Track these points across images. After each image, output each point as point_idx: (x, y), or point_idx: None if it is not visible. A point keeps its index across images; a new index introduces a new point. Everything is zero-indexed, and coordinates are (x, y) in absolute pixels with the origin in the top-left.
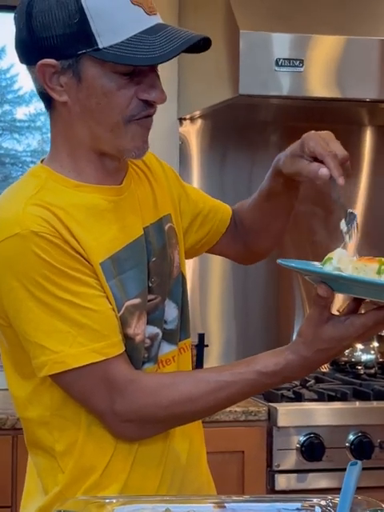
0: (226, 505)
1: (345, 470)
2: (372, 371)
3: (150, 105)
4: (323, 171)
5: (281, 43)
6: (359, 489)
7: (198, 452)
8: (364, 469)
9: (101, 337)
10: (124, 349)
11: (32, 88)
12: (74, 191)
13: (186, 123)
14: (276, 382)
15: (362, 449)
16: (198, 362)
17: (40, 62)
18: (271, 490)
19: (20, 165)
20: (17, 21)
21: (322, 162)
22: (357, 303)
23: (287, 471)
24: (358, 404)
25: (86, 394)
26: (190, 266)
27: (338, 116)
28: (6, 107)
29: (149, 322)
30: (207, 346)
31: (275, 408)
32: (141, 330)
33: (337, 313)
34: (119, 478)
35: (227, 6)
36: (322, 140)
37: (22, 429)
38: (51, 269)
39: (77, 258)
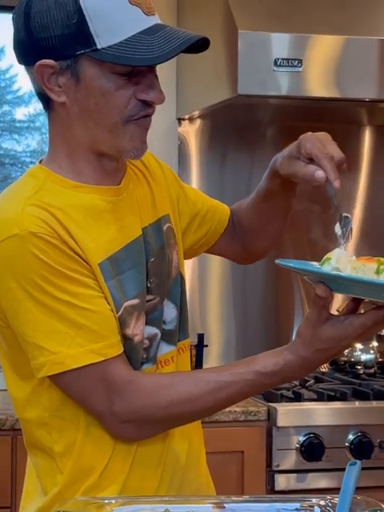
0: (225, 505)
1: (344, 469)
2: (371, 371)
3: (148, 105)
4: (319, 174)
5: (279, 43)
6: (359, 489)
7: (197, 452)
8: (363, 469)
9: (99, 337)
10: (123, 349)
11: (31, 88)
12: (72, 192)
13: (185, 123)
14: (275, 382)
15: (361, 449)
16: (198, 363)
17: (38, 63)
18: (271, 490)
19: (19, 165)
20: (15, 21)
21: (318, 163)
22: (356, 303)
23: (287, 471)
24: (357, 404)
25: (84, 394)
26: (189, 267)
27: (337, 116)
28: (6, 108)
29: (147, 323)
30: (207, 346)
31: (275, 408)
32: (139, 330)
33: (336, 312)
34: (118, 479)
35: (226, 6)
36: (318, 141)
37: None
38: (49, 269)
39: (75, 258)
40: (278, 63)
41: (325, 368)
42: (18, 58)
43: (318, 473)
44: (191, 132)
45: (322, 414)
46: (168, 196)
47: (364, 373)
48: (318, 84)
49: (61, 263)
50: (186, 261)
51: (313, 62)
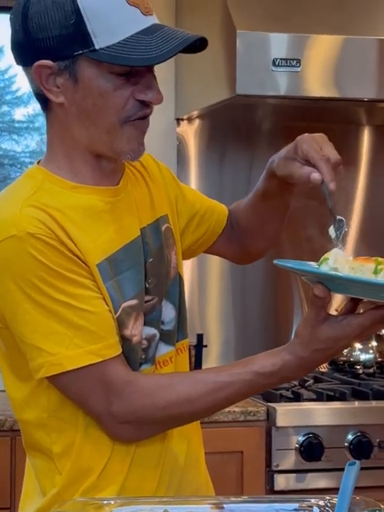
0: (224, 506)
1: (344, 469)
2: (371, 371)
3: (146, 105)
4: (315, 176)
5: (278, 43)
6: (358, 488)
7: (196, 453)
8: (363, 468)
9: (98, 338)
10: (121, 350)
11: (30, 89)
12: (70, 192)
13: (184, 123)
14: (274, 383)
15: (360, 448)
16: (197, 363)
17: (36, 64)
18: (270, 490)
19: (19, 166)
20: (13, 22)
21: (314, 165)
22: (354, 303)
23: (286, 471)
24: (356, 404)
25: (83, 395)
26: (188, 267)
27: (336, 116)
28: (5, 108)
29: (146, 323)
30: (206, 346)
31: (274, 408)
32: (138, 331)
33: (335, 312)
34: (117, 480)
35: (224, 7)
36: (315, 143)
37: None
38: (48, 270)
39: (73, 259)
40: (277, 63)
41: (324, 368)
42: (15, 58)
43: (318, 473)
44: (190, 132)
45: (321, 413)
46: (166, 196)
47: (363, 373)
48: (316, 84)
49: (59, 264)
50: (185, 261)
51: (311, 62)
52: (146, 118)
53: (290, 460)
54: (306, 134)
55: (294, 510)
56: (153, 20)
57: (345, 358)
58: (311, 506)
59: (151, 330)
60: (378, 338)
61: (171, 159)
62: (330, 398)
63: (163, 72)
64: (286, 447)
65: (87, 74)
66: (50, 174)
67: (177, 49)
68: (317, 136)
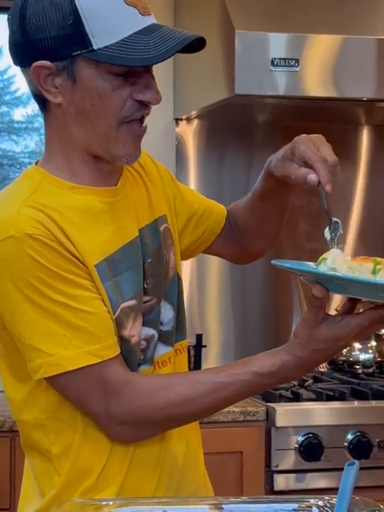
0: (223, 506)
1: (343, 469)
2: (370, 370)
3: (144, 105)
4: (312, 177)
5: (276, 43)
6: (358, 488)
7: (194, 453)
8: (363, 468)
9: (96, 339)
10: (119, 351)
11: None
12: (68, 193)
13: (182, 123)
14: (272, 383)
15: (360, 448)
16: (196, 363)
17: (34, 64)
18: (270, 490)
19: (18, 166)
20: (10, 23)
21: (311, 166)
22: (352, 303)
23: (286, 471)
24: (356, 403)
25: (81, 396)
26: (187, 267)
27: (335, 115)
28: (4, 108)
29: (144, 324)
30: (205, 346)
31: (273, 408)
32: (136, 331)
33: (335, 312)
34: (116, 481)
35: (222, 6)
36: (312, 144)
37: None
38: (46, 271)
39: (71, 260)
40: (275, 63)
41: (323, 368)
42: (13, 59)
43: (317, 473)
44: (189, 132)
45: (320, 413)
46: (164, 196)
47: (363, 372)
48: (315, 84)
49: (57, 265)
50: (184, 261)
51: (310, 62)
52: (143, 118)
53: (289, 460)
54: (304, 135)
55: (293, 510)
56: (151, 20)
57: (344, 358)
58: (310, 506)
59: (150, 331)
60: (378, 337)
61: (170, 159)
62: (329, 398)
63: (162, 72)
64: (285, 447)
65: (85, 75)
66: (48, 175)
67: (175, 49)
68: (314, 137)
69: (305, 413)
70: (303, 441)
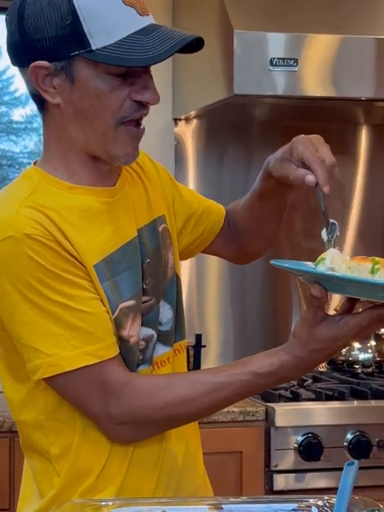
0: (222, 506)
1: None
2: (369, 370)
3: (143, 106)
4: (309, 178)
5: (275, 43)
6: (357, 488)
7: (194, 453)
8: (362, 468)
9: (95, 339)
10: (118, 351)
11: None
12: (67, 193)
13: (181, 123)
14: (271, 383)
15: (359, 448)
16: (196, 363)
17: (33, 64)
18: (269, 490)
19: (17, 166)
20: (8, 23)
21: (309, 167)
22: (351, 303)
23: (285, 471)
24: (355, 403)
25: (80, 396)
26: (186, 267)
27: (334, 115)
28: (3, 109)
29: (143, 324)
30: (205, 346)
31: (273, 408)
32: (135, 331)
33: (334, 312)
34: (115, 481)
35: (221, 6)
36: (310, 145)
37: None
38: (45, 271)
39: (70, 260)
40: (274, 63)
41: (323, 367)
42: (11, 59)
43: (317, 472)
44: (188, 132)
45: (320, 413)
46: (163, 196)
47: (362, 372)
48: (314, 83)
49: (56, 265)
50: (183, 261)
51: (309, 62)
52: (141, 121)
53: (289, 460)
54: (302, 136)
55: (293, 510)
56: (149, 20)
57: (344, 358)
58: (310, 506)
59: (149, 331)
60: (377, 337)
61: (169, 159)
62: (328, 398)
63: (160, 72)
64: (284, 447)
65: (84, 75)
66: (47, 175)
67: (173, 49)
68: (313, 137)
69: (304, 413)
70: (303, 441)
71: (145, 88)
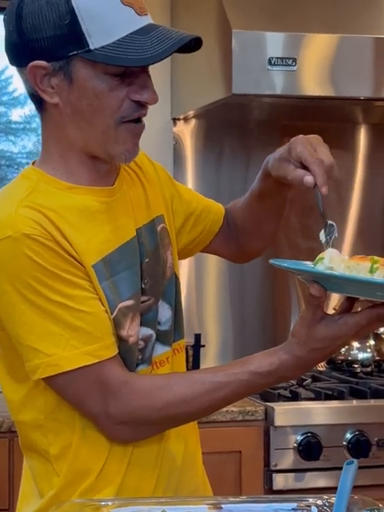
0: (222, 506)
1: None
2: (368, 369)
3: (141, 106)
4: (308, 179)
5: (273, 42)
6: (357, 487)
7: (193, 453)
8: (361, 467)
9: (94, 339)
10: (117, 351)
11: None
12: (65, 193)
13: (180, 123)
14: (271, 382)
15: (359, 447)
16: (195, 363)
17: (31, 64)
18: (269, 489)
19: (15, 166)
20: (6, 23)
21: (308, 168)
22: (350, 302)
23: (285, 471)
24: (354, 402)
25: (79, 396)
26: (186, 266)
27: (332, 114)
28: (1, 109)
29: (142, 324)
30: (204, 346)
31: (272, 407)
32: (134, 331)
33: (333, 311)
34: (114, 481)
35: (219, 6)
36: (309, 145)
37: None
38: (44, 271)
39: (69, 260)
40: (273, 62)
41: (322, 367)
42: (9, 59)
43: (316, 472)
44: (186, 132)
45: (319, 413)
46: (162, 196)
47: (361, 371)
48: (312, 83)
49: (54, 265)
50: (182, 261)
51: (307, 61)
52: (141, 118)
53: (288, 459)
54: (301, 136)
55: (292, 509)
56: (147, 20)
57: (343, 357)
58: (309, 506)
59: (147, 331)
60: (376, 336)
61: (168, 159)
62: (328, 397)
63: (159, 72)
64: (284, 446)
65: (82, 75)
66: (45, 175)
67: (172, 49)
68: (311, 137)
69: (303, 412)
70: (302, 440)
71: (143, 88)
